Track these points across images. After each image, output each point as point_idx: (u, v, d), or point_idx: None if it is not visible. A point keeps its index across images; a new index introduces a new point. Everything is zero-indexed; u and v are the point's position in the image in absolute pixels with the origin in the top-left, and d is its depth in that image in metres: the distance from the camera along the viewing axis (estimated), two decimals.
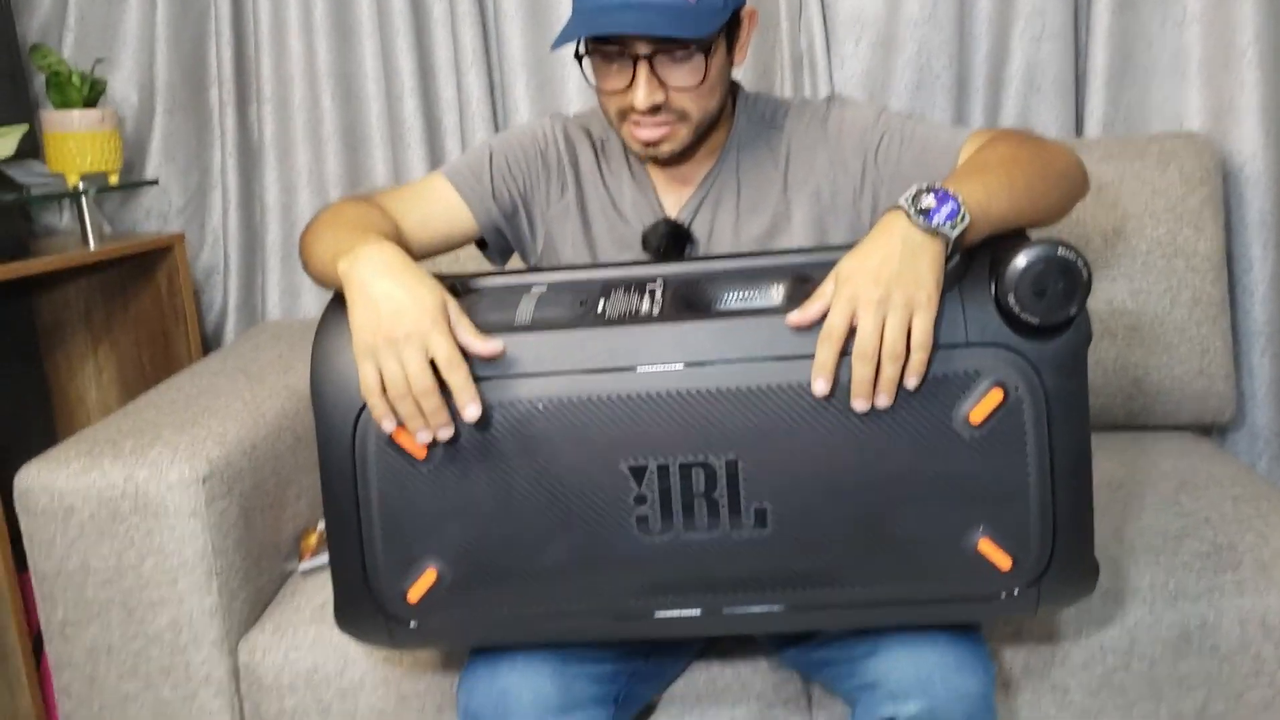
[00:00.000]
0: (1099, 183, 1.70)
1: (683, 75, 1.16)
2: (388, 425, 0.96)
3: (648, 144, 1.20)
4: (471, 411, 0.95)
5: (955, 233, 0.93)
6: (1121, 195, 1.69)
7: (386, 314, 0.96)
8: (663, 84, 1.15)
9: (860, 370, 0.92)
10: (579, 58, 1.20)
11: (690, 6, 1.11)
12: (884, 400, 0.93)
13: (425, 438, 0.96)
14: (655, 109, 1.16)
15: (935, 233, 0.93)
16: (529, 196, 1.31)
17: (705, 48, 1.15)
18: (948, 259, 0.94)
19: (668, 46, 1.14)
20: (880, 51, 1.92)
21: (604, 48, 1.16)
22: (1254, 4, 1.77)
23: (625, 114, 1.19)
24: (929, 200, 0.94)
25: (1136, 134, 1.81)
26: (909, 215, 0.93)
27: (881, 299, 0.91)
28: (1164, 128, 1.88)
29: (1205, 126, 1.85)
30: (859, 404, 0.93)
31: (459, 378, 0.94)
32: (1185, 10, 1.84)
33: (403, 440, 0.97)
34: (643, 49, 1.13)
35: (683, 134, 1.20)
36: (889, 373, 0.92)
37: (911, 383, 0.93)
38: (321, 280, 1.14)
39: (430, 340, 0.94)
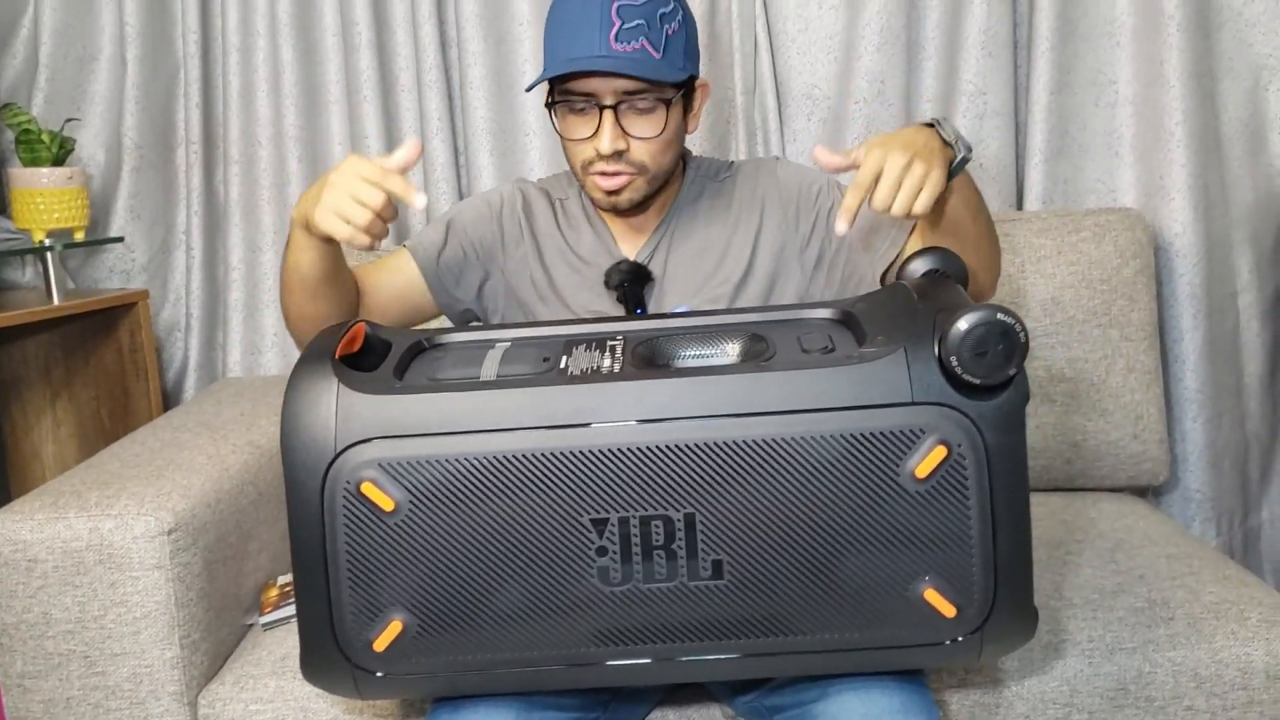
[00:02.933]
0: (1038, 254, 1.77)
1: (645, 126, 1.26)
2: (343, 230, 1.11)
3: (609, 192, 1.29)
4: (420, 200, 1.08)
5: (960, 156, 1.15)
6: (1059, 267, 1.77)
7: (327, 182, 1.13)
8: (625, 133, 1.25)
9: (858, 197, 1.09)
10: (549, 106, 1.29)
11: (656, 60, 1.23)
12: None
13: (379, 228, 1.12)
14: (617, 155, 1.25)
15: (951, 146, 1.14)
16: (488, 254, 1.40)
17: (666, 101, 1.24)
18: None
19: (631, 99, 1.24)
20: (831, 126, 2.00)
21: (572, 98, 1.26)
22: (1181, 89, 1.87)
23: (588, 164, 1.28)
24: (952, 131, 1.15)
25: (1073, 208, 1.89)
26: (938, 126, 1.15)
27: (907, 163, 1.08)
28: (1099, 203, 1.97)
29: (1138, 202, 1.94)
30: (841, 226, 1.10)
31: (396, 182, 1.09)
32: (1117, 93, 1.93)
33: (370, 493, 0.99)
34: (609, 99, 1.23)
35: (640, 185, 1.30)
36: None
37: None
38: (296, 304, 1.28)
39: (360, 169, 1.11)
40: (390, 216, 1.13)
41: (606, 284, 1.34)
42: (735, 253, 1.36)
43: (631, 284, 1.33)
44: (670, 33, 1.26)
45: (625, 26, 1.22)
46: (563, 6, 1.27)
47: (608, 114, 1.25)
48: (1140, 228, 1.80)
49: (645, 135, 1.27)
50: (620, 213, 1.35)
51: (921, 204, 1.09)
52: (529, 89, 1.31)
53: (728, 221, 1.38)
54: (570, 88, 1.25)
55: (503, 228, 1.41)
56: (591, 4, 1.23)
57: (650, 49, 1.23)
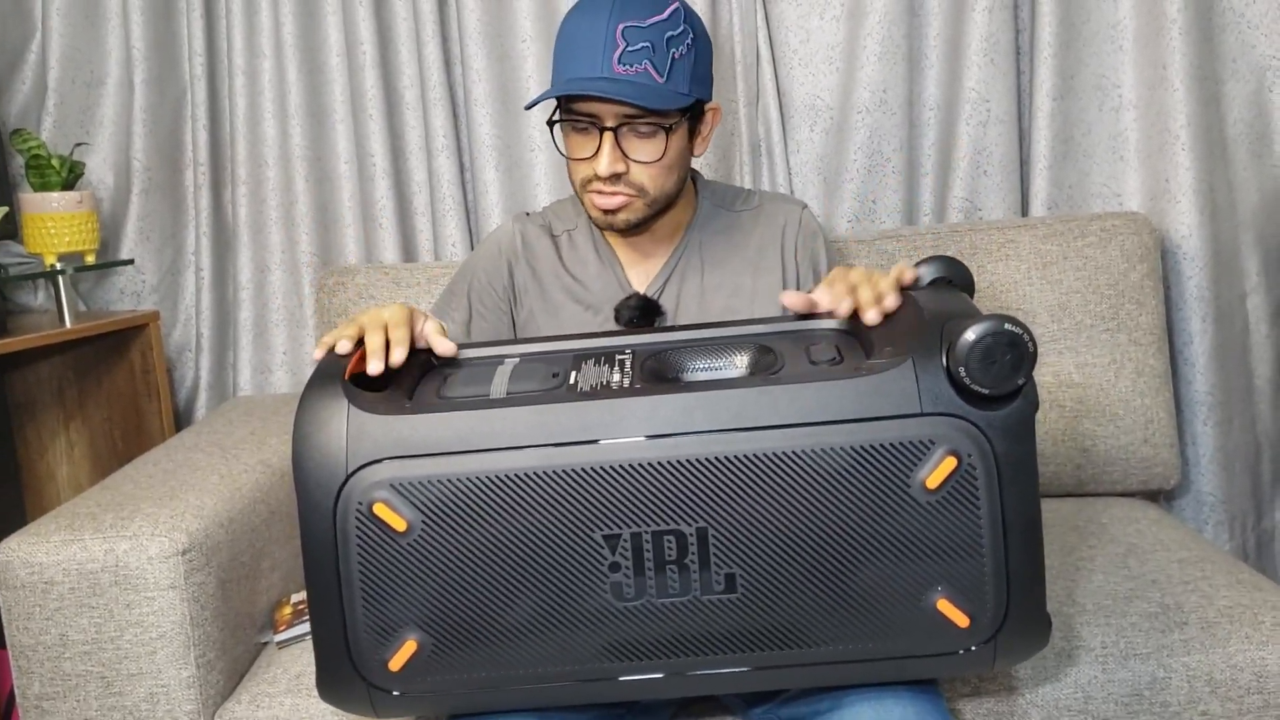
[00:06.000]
0: (1044, 260, 1.78)
1: (644, 150, 1.26)
2: (372, 366, 1.08)
3: (605, 211, 1.29)
4: (397, 355, 1.07)
5: None
6: (1066, 272, 1.77)
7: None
8: (625, 156, 1.25)
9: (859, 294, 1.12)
10: (551, 124, 1.30)
11: (657, 86, 1.23)
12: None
13: (376, 367, 1.07)
14: (615, 177, 1.25)
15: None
16: (507, 302, 1.42)
17: (667, 127, 1.24)
18: None
19: (633, 122, 1.24)
20: (834, 137, 2.01)
21: (575, 118, 1.26)
22: (1184, 92, 1.87)
23: (588, 183, 1.29)
24: None
25: (1079, 213, 1.89)
26: None
27: (867, 277, 1.14)
28: (1104, 208, 1.97)
29: (1143, 206, 1.94)
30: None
31: (399, 333, 1.09)
32: (1121, 97, 1.94)
33: (383, 514, 1.00)
34: (610, 121, 1.23)
35: (639, 206, 1.29)
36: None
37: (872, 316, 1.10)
38: None
39: (390, 315, 1.11)
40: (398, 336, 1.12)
41: (617, 319, 1.34)
42: (758, 299, 1.36)
43: (642, 319, 1.33)
44: (677, 56, 1.24)
45: (629, 49, 1.22)
46: (570, 25, 1.27)
47: (608, 136, 1.24)
48: (1146, 231, 1.80)
49: (644, 159, 1.26)
50: (620, 233, 1.34)
51: (874, 316, 1.10)
52: (529, 106, 1.31)
53: (746, 260, 1.37)
54: (573, 107, 1.26)
55: (512, 277, 1.42)
56: (597, 25, 1.23)
57: (654, 73, 1.23)
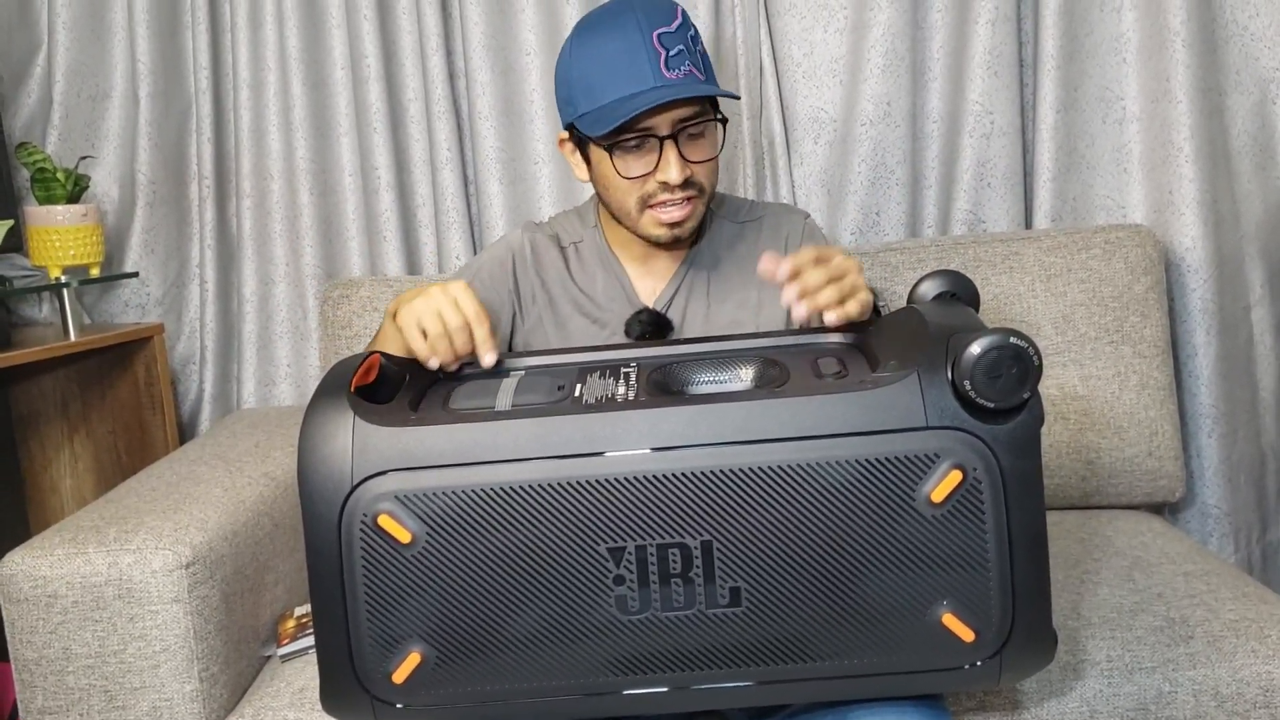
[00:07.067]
0: (1049, 273, 1.78)
1: (701, 150, 1.27)
2: (434, 363, 1.14)
3: (674, 224, 1.28)
4: (489, 359, 1.13)
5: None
6: (1070, 285, 1.77)
7: (426, 290, 1.15)
8: (686, 161, 1.25)
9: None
10: (608, 148, 1.26)
11: (704, 81, 1.25)
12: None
13: (453, 366, 1.15)
14: (685, 184, 1.25)
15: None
16: (514, 300, 1.40)
17: (721, 120, 1.27)
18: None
19: (687, 125, 1.24)
20: (838, 150, 2.01)
21: (625, 139, 1.24)
22: (1188, 104, 1.87)
23: (648, 199, 1.27)
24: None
25: (1083, 226, 1.89)
26: None
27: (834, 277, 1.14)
28: (1108, 220, 1.97)
29: (1147, 218, 1.94)
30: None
31: (483, 331, 1.13)
32: (1125, 109, 1.94)
33: (388, 525, 1.00)
34: (665, 130, 1.23)
35: (700, 209, 1.30)
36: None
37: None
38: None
39: (459, 296, 1.13)
40: (461, 348, 1.15)
41: (627, 333, 1.34)
42: (763, 311, 1.36)
43: (653, 334, 1.33)
44: (702, 53, 1.27)
45: (671, 54, 1.22)
46: (600, 46, 1.25)
47: (669, 145, 1.24)
48: (1150, 244, 1.80)
49: (704, 158, 1.27)
50: (678, 243, 1.33)
51: (837, 316, 1.13)
52: (594, 135, 1.25)
53: (751, 272, 1.36)
54: (629, 126, 1.23)
55: (518, 284, 1.40)
56: (632, 38, 1.22)
57: (696, 72, 1.24)
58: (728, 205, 1.43)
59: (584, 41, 1.27)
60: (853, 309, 1.14)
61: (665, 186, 1.25)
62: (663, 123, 1.23)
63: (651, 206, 1.28)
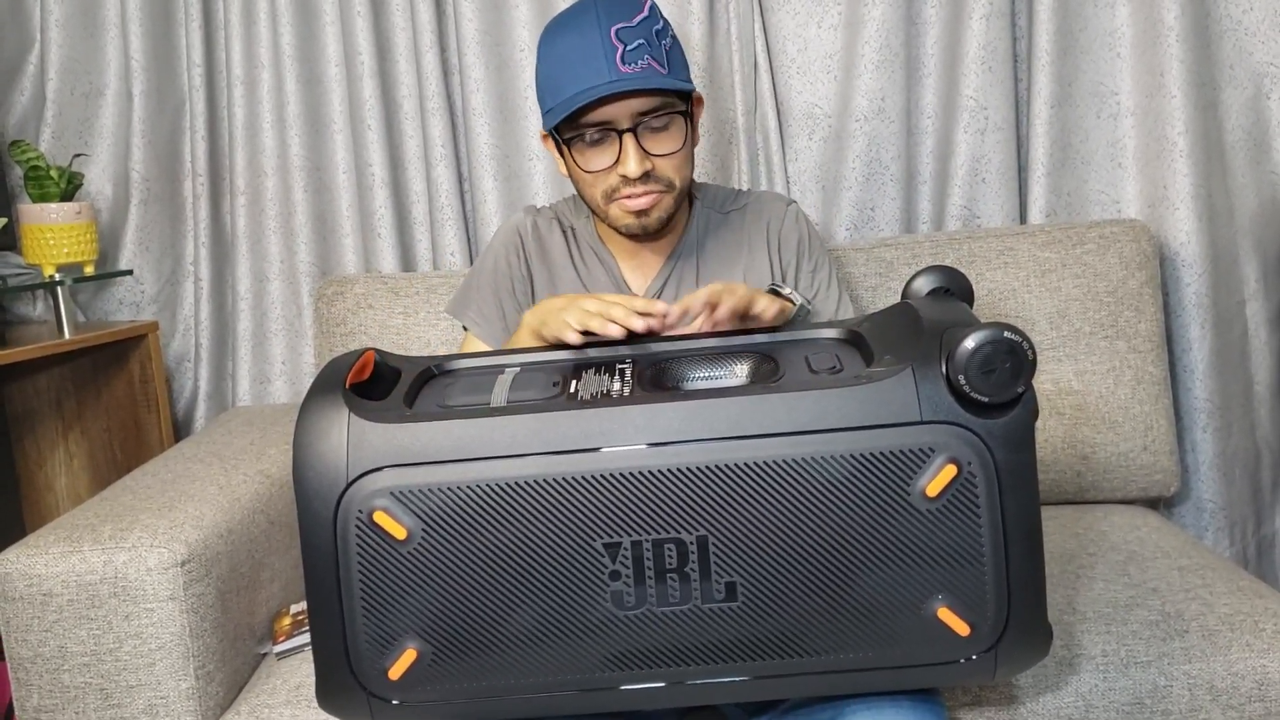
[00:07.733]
0: (1043, 268, 1.78)
1: (664, 143, 1.27)
2: (614, 330, 1.14)
3: (639, 213, 1.29)
4: (638, 322, 1.13)
5: (799, 305, 1.28)
6: (1064, 280, 1.77)
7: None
8: (647, 154, 1.25)
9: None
10: (563, 143, 1.29)
11: (664, 74, 1.25)
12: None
13: (617, 330, 1.14)
14: (645, 176, 1.26)
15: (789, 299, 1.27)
16: (524, 290, 1.42)
17: (683, 113, 1.27)
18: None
19: (646, 119, 1.25)
20: (832, 146, 2.01)
21: (587, 132, 1.26)
22: (1182, 99, 1.87)
23: (612, 193, 1.28)
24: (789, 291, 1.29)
25: (1077, 221, 1.90)
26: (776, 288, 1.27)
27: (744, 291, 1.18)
28: (1102, 215, 1.98)
29: (1142, 213, 1.94)
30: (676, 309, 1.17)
31: (620, 311, 1.14)
32: (1119, 104, 1.94)
33: (383, 522, 1.00)
34: (625, 123, 1.24)
35: (668, 202, 1.31)
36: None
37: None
38: None
39: (585, 301, 1.16)
40: (620, 316, 1.16)
41: None
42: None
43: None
44: (667, 48, 1.27)
45: (629, 49, 1.23)
46: (559, 43, 1.28)
47: (628, 137, 1.25)
48: (1145, 238, 1.80)
49: (667, 151, 1.28)
50: (647, 236, 1.35)
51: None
52: (548, 129, 1.30)
53: (739, 260, 1.38)
54: (584, 120, 1.26)
55: (529, 262, 1.42)
56: (589, 34, 1.24)
57: (656, 65, 1.25)
58: (713, 195, 1.44)
59: (549, 40, 1.30)
60: (721, 314, 1.17)
61: (626, 180, 1.27)
62: (622, 116, 1.25)
63: (616, 199, 1.30)
